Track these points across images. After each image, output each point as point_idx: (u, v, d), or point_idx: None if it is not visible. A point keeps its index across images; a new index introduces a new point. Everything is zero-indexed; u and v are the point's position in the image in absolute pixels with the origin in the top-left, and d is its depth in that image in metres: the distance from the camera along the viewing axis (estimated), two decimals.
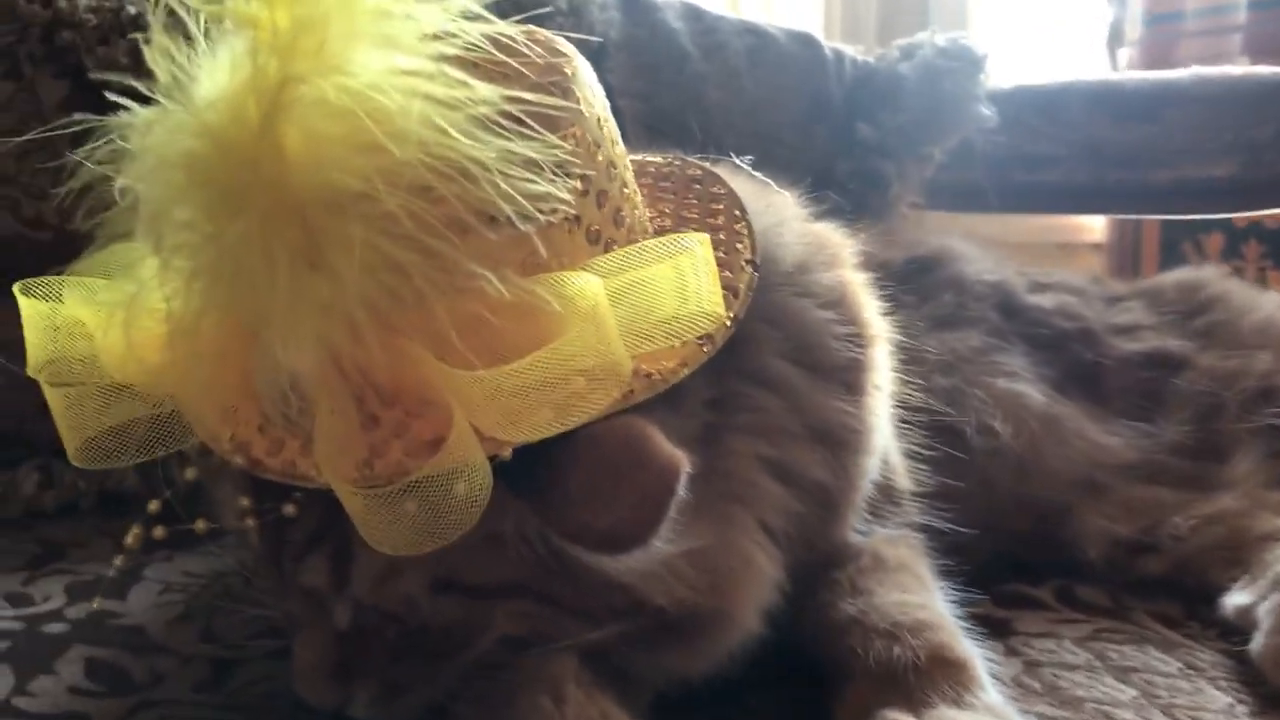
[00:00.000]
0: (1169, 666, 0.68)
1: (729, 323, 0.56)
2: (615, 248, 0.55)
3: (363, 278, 0.47)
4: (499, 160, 0.47)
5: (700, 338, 0.54)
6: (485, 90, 0.48)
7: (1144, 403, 0.88)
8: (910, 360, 0.81)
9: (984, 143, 1.32)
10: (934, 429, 0.78)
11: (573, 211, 0.52)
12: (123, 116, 0.53)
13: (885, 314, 0.84)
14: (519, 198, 0.47)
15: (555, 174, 0.49)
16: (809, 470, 0.61)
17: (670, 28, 1.37)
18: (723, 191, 0.64)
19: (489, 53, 0.50)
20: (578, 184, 0.52)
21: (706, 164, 0.68)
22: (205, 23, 0.52)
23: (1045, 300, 0.95)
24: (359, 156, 0.47)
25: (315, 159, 0.47)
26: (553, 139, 0.49)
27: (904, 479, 0.74)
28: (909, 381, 0.76)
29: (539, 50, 0.54)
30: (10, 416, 0.94)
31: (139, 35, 0.97)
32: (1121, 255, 1.73)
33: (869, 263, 0.95)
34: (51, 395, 0.54)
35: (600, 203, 0.55)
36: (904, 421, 0.75)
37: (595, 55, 1.29)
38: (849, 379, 0.63)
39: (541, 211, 0.49)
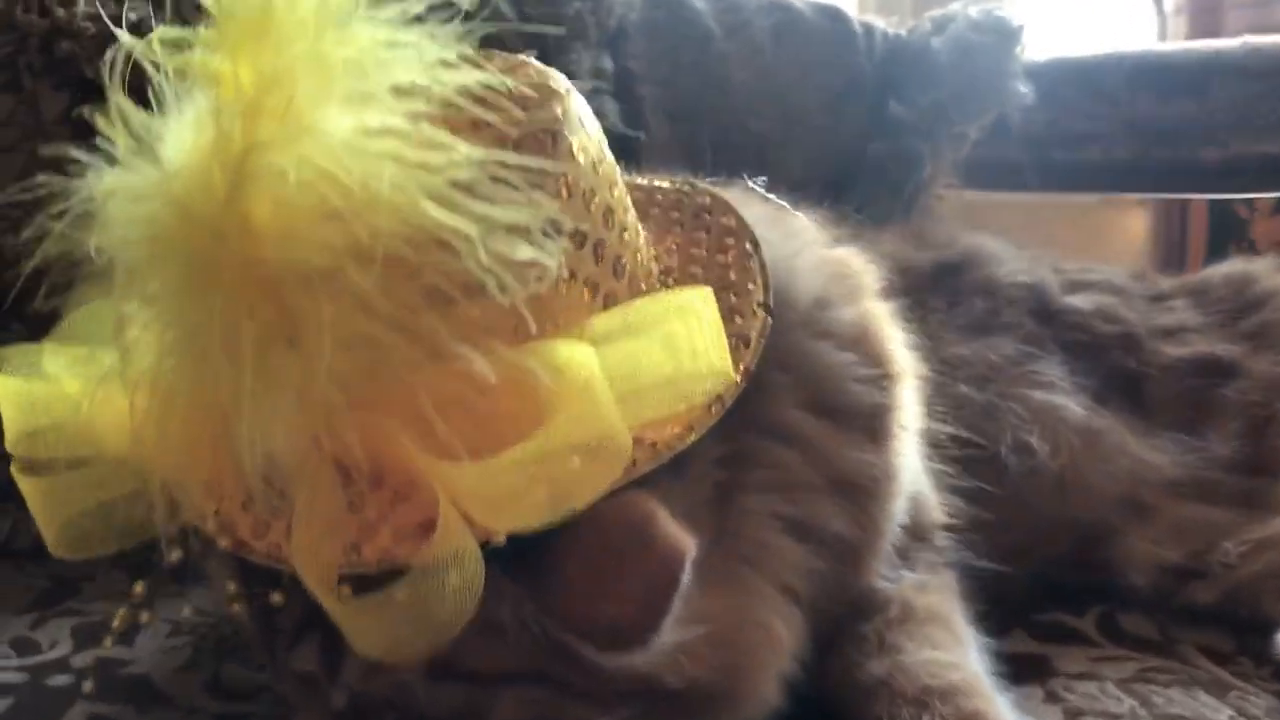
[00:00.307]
0: (1220, 715, 0.64)
1: (739, 379, 0.52)
2: (616, 299, 0.52)
3: (338, 356, 0.44)
4: (480, 229, 0.44)
5: (708, 398, 0.50)
6: (463, 151, 0.44)
7: (1191, 413, 0.83)
8: (941, 376, 0.77)
9: (1020, 119, 1.26)
10: (966, 451, 0.74)
11: (565, 271, 0.48)
12: (89, 179, 0.49)
13: (914, 322, 0.80)
14: (502, 270, 0.44)
15: (545, 234, 0.45)
16: (830, 524, 0.57)
17: (692, 7, 1.32)
18: (733, 223, 0.60)
19: (468, 105, 0.46)
20: (568, 242, 0.48)
21: (717, 190, 0.64)
22: (169, 75, 0.49)
23: (1083, 301, 0.90)
24: (330, 228, 0.44)
25: (285, 231, 0.44)
26: (540, 198, 0.46)
27: (935, 512, 0.70)
28: (939, 410, 0.72)
29: (527, 91, 0.51)
30: None
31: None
32: (1168, 244, 1.67)
33: (896, 265, 0.91)
34: (24, 484, 0.51)
35: (598, 255, 0.51)
36: (934, 447, 0.72)
37: (614, 40, 1.26)
38: (872, 425, 0.59)
39: (530, 279, 0.45)
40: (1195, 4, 1.68)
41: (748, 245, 0.58)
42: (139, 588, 0.51)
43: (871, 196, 1.28)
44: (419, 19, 0.47)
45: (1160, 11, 1.75)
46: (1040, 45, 1.32)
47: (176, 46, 0.48)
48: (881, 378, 0.60)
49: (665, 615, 0.46)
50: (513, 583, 0.48)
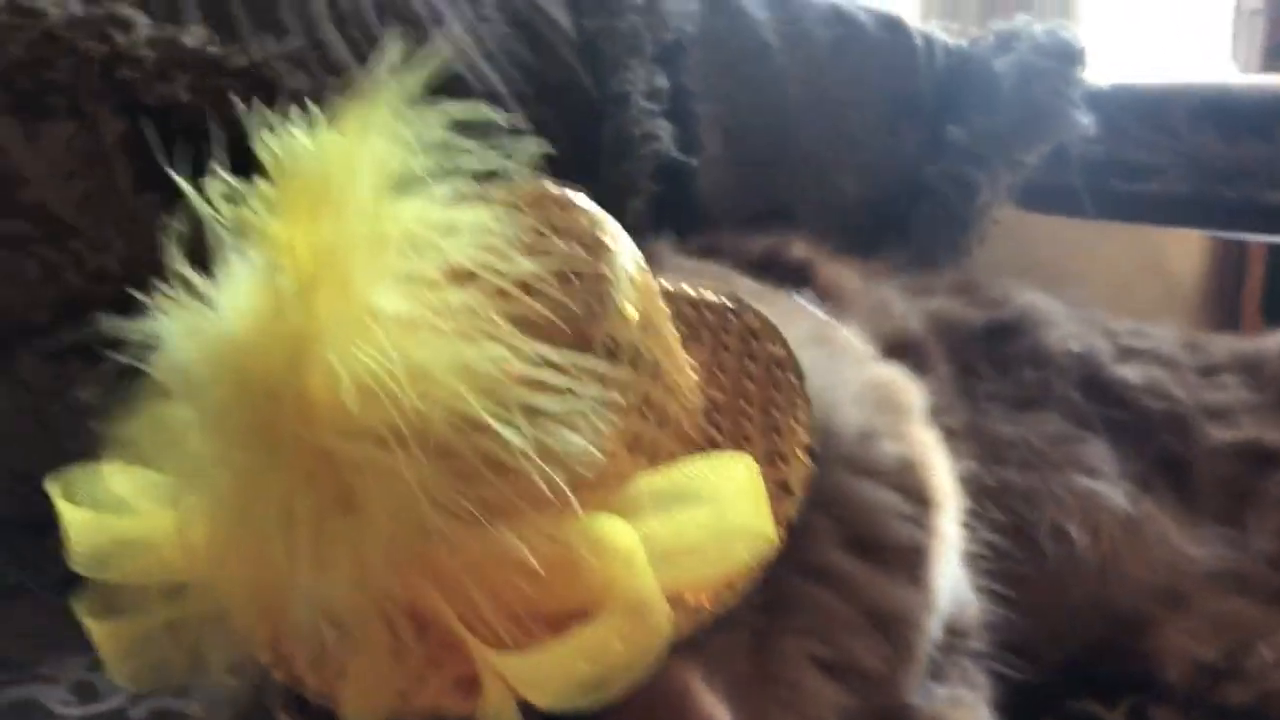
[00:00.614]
0: None
1: (782, 531, 0.53)
2: (659, 448, 0.53)
3: (389, 524, 0.45)
4: (525, 420, 0.44)
5: (750, 559, 0.51)
6: (511, 343, 0.45)
7: (1234, 503, 0.83)
8: (984, 460, 0.77)
9: (1080, 147, 1.24)
10: (1004, 536, 0.75)
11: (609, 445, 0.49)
12: (150, 321, 0.50)
13: (962, 395, 0.80)
14: (546, 459, 0.45)
15: (591, 417, 0.46)
16: (865, 660, 0.58)
17: (751, 18, 1.31)
18: (780, 353, 0.60)
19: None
20: (617, 419, 0.49)
21: (763, 309, 0.64)
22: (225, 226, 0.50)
23: (1133, 373, 0.90)
24: (380, 408, 0.45)
25: (339, 408, 0.45)
26: (587, 382, 0.46)
27: (972, 612, 0.71)
28: (979, 499, 0.73)
29: (575, 253, 0.51)
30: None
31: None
32: (1223, 281, 1.64)
33: (946, 324, 0.91)
34: (92, 624, 0.53)
35: (642, 410, 0.52)
36: (972, 535, 0.72)
37: (671, 54, 1.25)
38: (912, 561, 0.60)
39: (573, 464, 0.46)
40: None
41: (793, 378, 0.58)
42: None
43: (927, 221, 1.27)
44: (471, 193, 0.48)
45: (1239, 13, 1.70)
46: (1104, 67, 1.29)
47: (232, 200, 0.49)
48: (923, 514, 0.60)
49: None
50: None
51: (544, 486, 0.44)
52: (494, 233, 0.47)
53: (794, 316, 0.65)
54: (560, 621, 0.47)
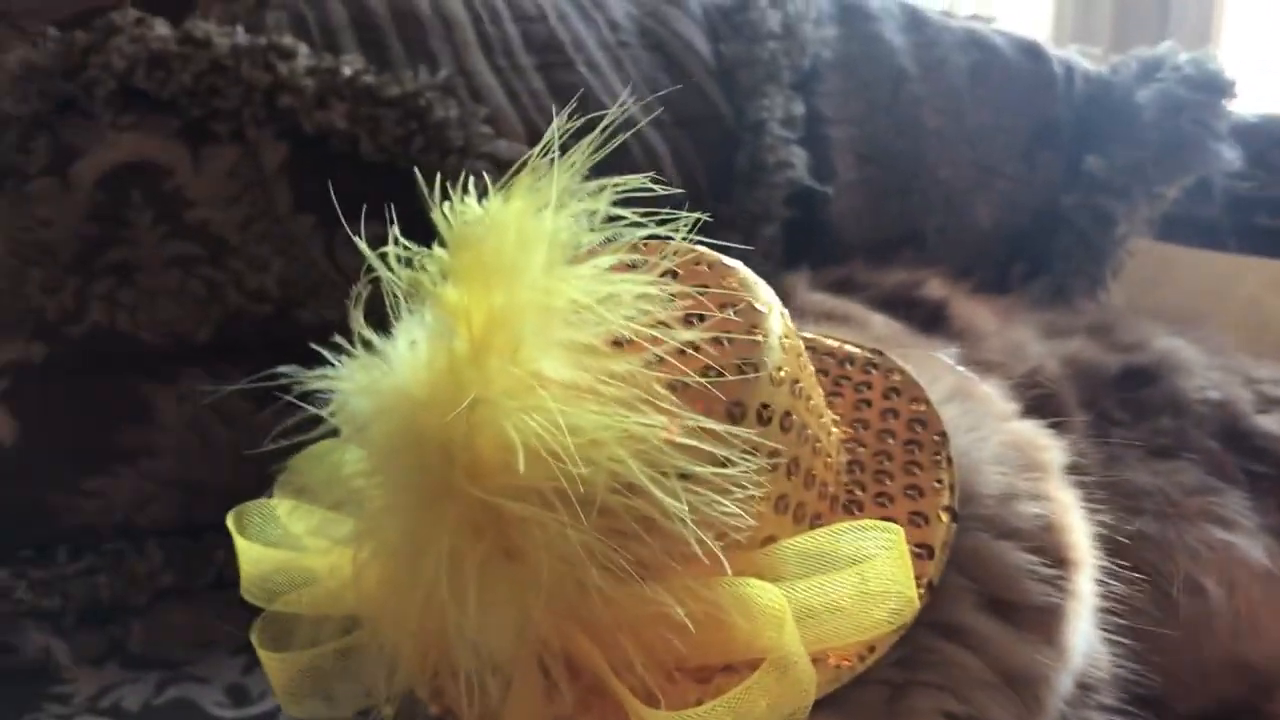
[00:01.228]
0: None
1: (923, 592, 0.54)
2: (805, 509, 0.54)
3: (552, 577, 0.48)
4: (679, 488, 0.47)
5: (891, 621, 0.52)
6: (668, 415, 0.47)
7: None
8: (1119, 511, 0.77)
9: (1224, 181, 1.22)
10: (1137, 590, 0.74)
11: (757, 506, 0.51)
12: (330, 376, 0.54)
13: (1097, 445, 0.80)
14: (700, 526, 0.47)
15: (743, 486, 0.48)
16: (996, 717, 0.59)
17: (888, 43, 1.31)
18: (923, 411, 0.61)
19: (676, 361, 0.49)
20: (765, 481, 0.51)
21: (906, 365, 0.65)
22: (400, 286, 0.53)
23: (1275, 424, 0.88)
24: (545, 467, 0.47)
25: (506, 466, 0.48)
26: (742, 458, 0.48)
27: (1102, 665, 0.71)
28: (1113, 550, 0.73)
29: (728, 311, 0.53)
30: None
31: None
32: None
33: (1082, 370, 0.90)
34: (264, 655, 0.57)
35: (790, 472, 0.54)
36: (1104, 589, 0.72)
37: (808, 80, 1.26)
38: (1048, 623, 0.60)
39: (726, 528, 0.48)
40: None
41: (936, 438, 0.60)
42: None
43: (1062, 252, 1.26)
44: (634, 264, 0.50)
45: None
46: (1253, 97, 1.27)
47: (408, 264, 0.52)
48: (1061, 575, 0.61)
49: None
50: None
51: (696, 548, 0.46)
52: (652, 302, 0.50)
53: (934, 370, 0.66)
54: (707, 675, 0.50)
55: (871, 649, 0.52)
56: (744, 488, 0.48)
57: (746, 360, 0.52)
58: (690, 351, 0.51)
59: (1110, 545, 0.73)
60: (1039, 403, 0.83)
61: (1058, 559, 0.61)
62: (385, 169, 1.05)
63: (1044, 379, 0.87)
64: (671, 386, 0.49)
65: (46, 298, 0.96)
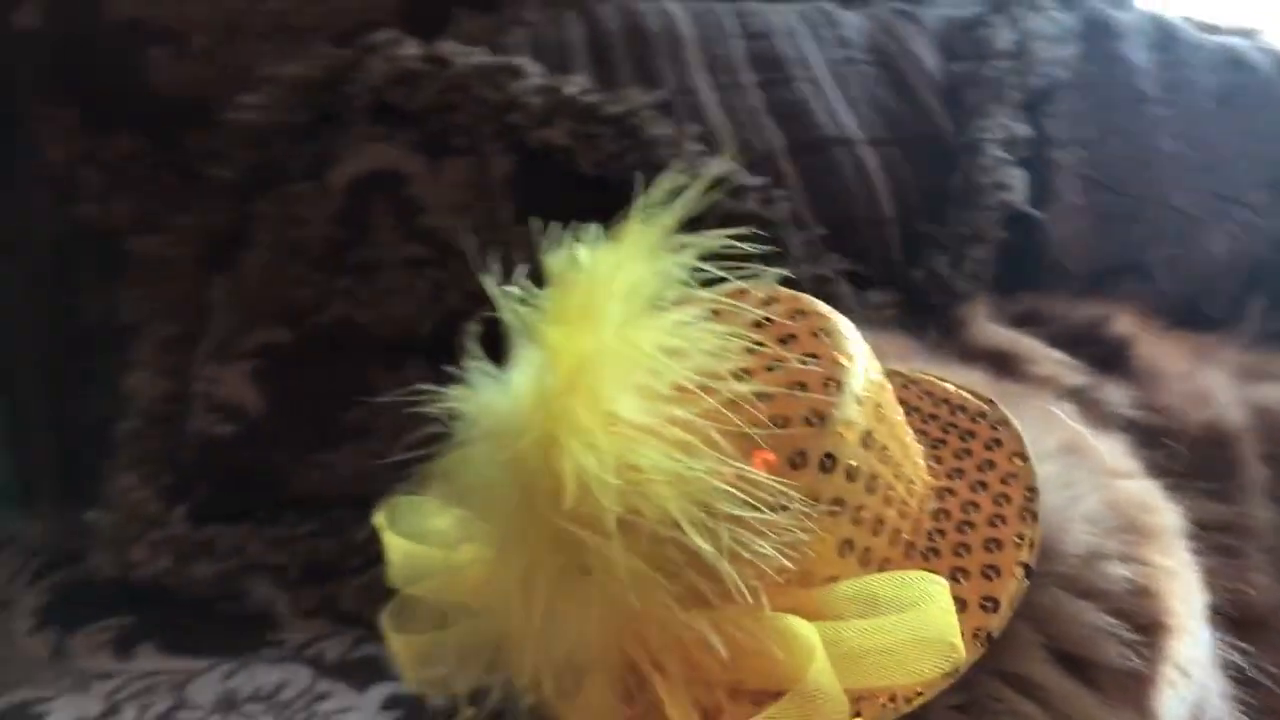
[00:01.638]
0: None
1: (980, 645, 0.56)
2: (871, 553, 0.58)
3: (610, 593, 0.54)
4: (728, 529, 0.51)
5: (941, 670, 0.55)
6: (721, 458, 0.52)
7: None
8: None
9: None
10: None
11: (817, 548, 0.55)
12: (456, 396, 0.61)
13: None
14: (747, 571, 0.51)
15: (792, 524, 0.52)
16: None
17: (1130, 64, 1.27)
18: (1019, 467, 0.63)
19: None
20: (828, 525, 0.55)
21: (1013, 419, 0.66)
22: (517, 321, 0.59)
23: None
24: (614, 497, 0.53)
25: (583, 494, 0.53)
26: (794, 504, 0.52)
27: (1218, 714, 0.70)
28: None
29: (807, 361, 0.57)
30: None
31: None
32: None
33: (1274, 418, 0.87)
34: (392, 638, 0.65)
35: (856, 519, 0.57)
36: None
37: (1038, 100, 1.24)
38: (1130, 688, 0.61)
39: (772, 571, 0.52)
40: None
41: (1024, 494, 0.61)
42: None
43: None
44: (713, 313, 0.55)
45: None
46: None
47: (524, 303, 0.59)
48: (1148, 641, 0.61)
49: None
50: None
51: (730, 585, 0.51)
52: (722, 355, 0.54)
53: (1050, 425, 0.67)
54: (763, 700, 0.54)
55: (921, 693, 0.55)
56: (790, 530, 0.52)
57: (815, 412, 0.56)
58: (761, 400, 0.55)
59: (1270, 610, 0.71)
60: (1209, 454, 0.81)
61: (1145, 624, 0.61)
62: (601, 183, 1.12)
63: (1223, 429, 0.85)
64: (734, 435, 0.53)
65: (297, 290, 1.09)
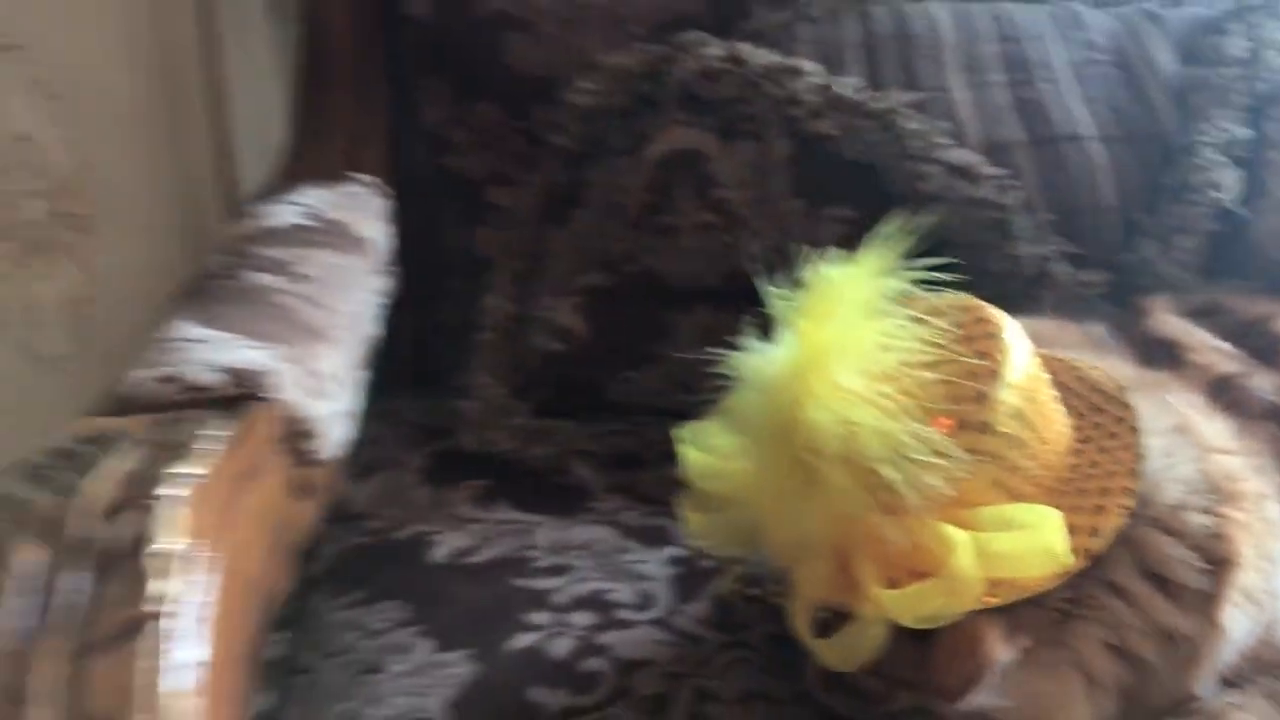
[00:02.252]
0: None
1: (1084, 560, 0.82)
2: (1018, 492, 0.84)
3: (837, 501, 0.82)
4: (908, 466, 0.79)
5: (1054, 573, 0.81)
6: (907, 421, 0.79)
7: None
8: None
9: None
10: None
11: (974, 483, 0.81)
12: (736, 357, 0.90)
13: None
14: (914, 492, 0.79)
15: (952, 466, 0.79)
16: (1150, 657, 0.85)
17: None
18: (1135, 438, 0.86)
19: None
20: (982, 469, 0.81)
21: (1136, 401, 0.89)
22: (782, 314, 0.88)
23: None
24: (836, 439, 0.81)
25: (813, 434, 0.82)
26: (958, 453, 0.79)
27: None
28: None
29: (978, 353, 0.83)
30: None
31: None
32: None
33: None
34: (691, 516, 0.96)
35: (1003, 466, 0.83)
36: None
37: (1264, 104, 1.40)
38: (1200, 602, 0.84)
39: (937, 495, 0.79)
40: None
41: (1134, 458, 0.85)
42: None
43: None
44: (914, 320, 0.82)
45: None
46: None
47: (785, 300, 0.87)
48: (1218, 571, 0.84)
49: (974, 688, 0.80)
50: (913, 646, 0.84)
51: (907, 503, 0.79)
52: (918, 351, 0.81)
53: (1166, 409, 0.90)
54: (918, 576, 0.82)
55: (1039, 585, 0.81)
56: (954, 472, 0.79)
57: (979, 394, 0.82)
58: (942, 383, 0.82)
59: None
60: None
61: (1215, 559, 0.85)
62: (862, 167, 1.38)
63: None
64: (922, 406, 0.80)
65: (613, 243, 1.40)
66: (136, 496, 0.61)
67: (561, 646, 1.03)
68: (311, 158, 1.48)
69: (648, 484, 1.23)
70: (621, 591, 1.10)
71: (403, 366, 1.54)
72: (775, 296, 0.87)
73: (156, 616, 0.56)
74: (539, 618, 1.06)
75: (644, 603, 1.08)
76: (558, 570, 1.14)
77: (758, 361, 0.87)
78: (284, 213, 1.30)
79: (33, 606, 0.55)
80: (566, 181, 1.45)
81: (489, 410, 1.38)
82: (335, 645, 1.07)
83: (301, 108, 1.54)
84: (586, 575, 1.12)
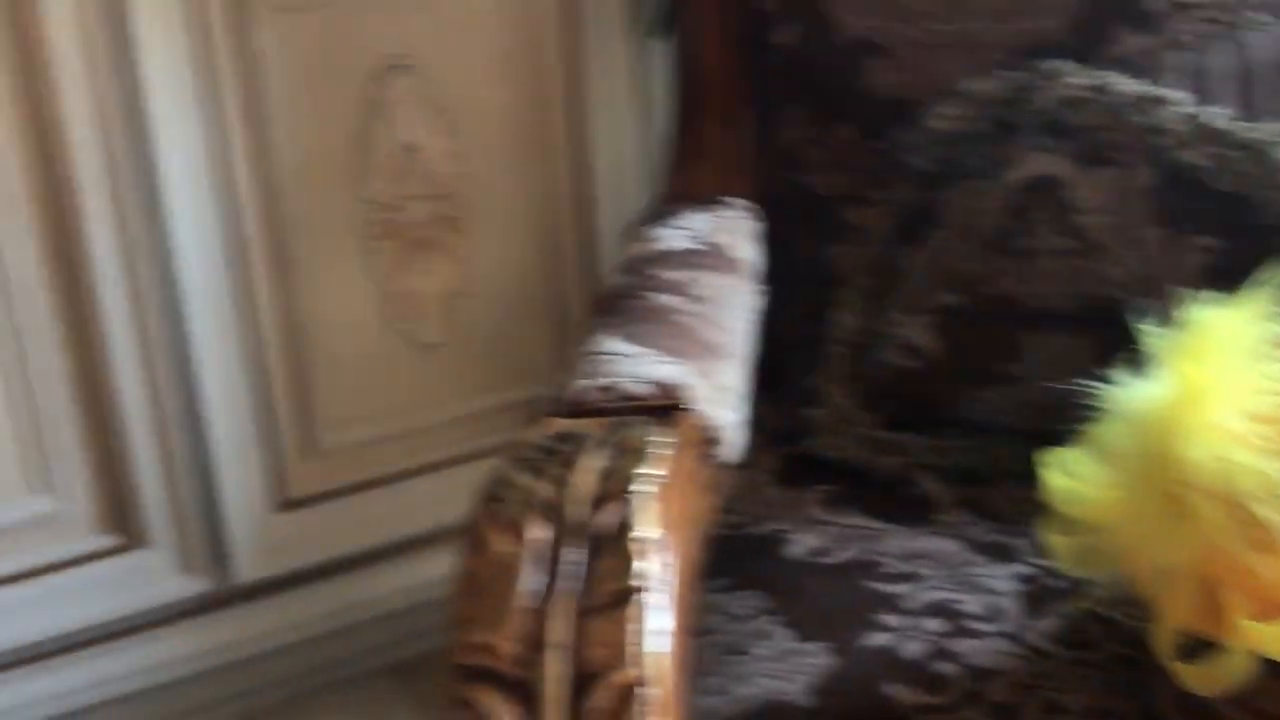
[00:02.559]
0: None
1: None
2: None
3: (1206, 532, 0.86)
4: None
5: None
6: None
7: None
8: None
9: None
10: None
11: None
12: (1109, 391, 0.94)
13: None
14: None
15: None
16: None
17: None
18: None
19: None
20: None
21: None
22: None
23: None
24: (1206, 475, 0.85)
25: (1184, 469, 0.86)
26: None
27: None
28: None
29: None
30: None
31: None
32: None
33: None
34: (1055, 539, 1.01)
35: None
36: None
37: None
38: None
39: None
40: None
41: None
42: None
43: None
44: None
45: None
46: None
47: (1161, 338, 0.91)
48: None
49: None
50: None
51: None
52: None
53: None
54: None
55: None
56: None
57: None
58: None
59: None
60: None
61: None
62: (1231, 197, 1.37)
63: None
64: None
65: (970, 265, 1.45)
66: (617, 491, 0.75)
67: (914, 648, 1.10)
68: (689, 182, 1.61)
69: (994, 501, 1.28)
70: (970, 603, 1.16)
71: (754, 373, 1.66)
72: (1149, 334, 0.91)
73: (640, 590, 0.69)
74: (891, 620, 1.14)
75: (993, 615, 1.13)
76: (907, 577, 1.21)
77: (1132, 396, 0.92)
78: (674, 236, 1.44)
79: (542, 574, 0.69)
80: (921, 203, 1.51)
81: (838, 419, 1.47)
82: (702, 626, 1.18)
83: (679, 135, 1.67)
84: (935, 584, 1.19)
